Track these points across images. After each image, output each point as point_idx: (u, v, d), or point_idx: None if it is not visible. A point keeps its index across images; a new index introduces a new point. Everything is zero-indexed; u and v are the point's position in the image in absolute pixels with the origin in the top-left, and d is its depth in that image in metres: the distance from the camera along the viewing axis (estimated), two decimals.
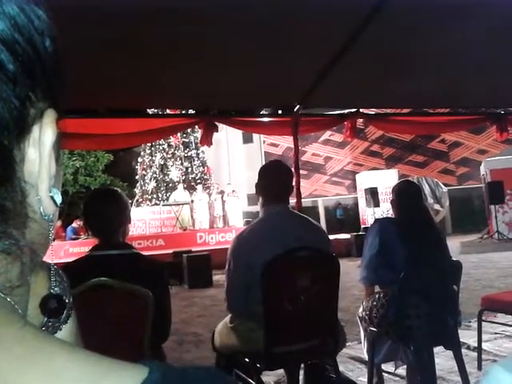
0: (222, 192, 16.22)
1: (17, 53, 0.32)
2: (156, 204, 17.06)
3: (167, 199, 16.52)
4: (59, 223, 16.24)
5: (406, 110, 6.32)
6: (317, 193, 19.07)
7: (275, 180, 2.53)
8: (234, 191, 16.10)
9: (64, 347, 0.31)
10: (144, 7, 2.42)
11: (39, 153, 0.35)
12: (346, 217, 19.74)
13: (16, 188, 0.34)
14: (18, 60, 0.33)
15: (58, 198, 0.37)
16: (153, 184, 18.17)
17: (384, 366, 3.14)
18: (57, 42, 0.37)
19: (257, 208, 2.64)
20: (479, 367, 3.34)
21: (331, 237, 2.76)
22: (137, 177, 19.25)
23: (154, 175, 18.25)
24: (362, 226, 15.04)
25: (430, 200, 15.46)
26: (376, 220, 3.13)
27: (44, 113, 0.36)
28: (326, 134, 18.22)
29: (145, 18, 2.54)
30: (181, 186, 16.19)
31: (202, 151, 18.64)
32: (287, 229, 2.41)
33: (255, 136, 21.02)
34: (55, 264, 0.43)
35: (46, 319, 0.41)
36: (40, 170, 0.35)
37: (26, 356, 0.29)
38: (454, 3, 2.60)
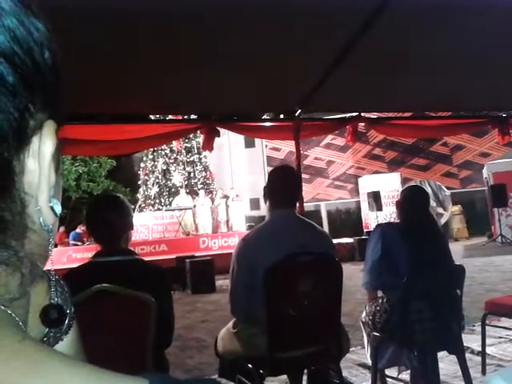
0: (226, 196, 16.23)
1: (16, 65, 0.33)
2: (159, 209, 17.07)
3: (170, 204, 16.54)
4: (62, 229, 16.27)
5: (407, 114, 6.32)
6: (319, 197, 19.02)
7: (282, 184, 2.54)
8: (237, 196, 16.11)
9: (63, 361, 0.31)
10: (145, 12, 2.43)
11: (39, 163, 0.35)
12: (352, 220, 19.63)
13: (15, 199, 0.34)
14: (18, 72, 0.33)
15: (58, 209, 0.37)
16: (155, 189, 18.19)
17: (388, 371, 3.13)
18: (56, 53, 0.37)
19: (259, 212, 2.66)
20: (483, 372, 3.32)
21: (334, 241, 2.76)
22: (139, 182, 19.27)
23: (157, 180, 18.28)
24: (365, 230, 14.99)
25: (433, 203, 15.41)
26: (378, 225, 3.12)
27: (43, 124, 0.36)
28: (328, 138, 18.19)
29: (145, 24, 2.55)
30: (183, 191, 16.20)
31: (205, 156, 18.66)
32: (292, 233, 2.41)
33: (257, 140, 20.99)
34: (56, 273, 0.43)
35: (47, 330, 0.41)
36: (40, 181, 0.35)
37: (24, 370, 0.29)
38: (456, 4, 2.61)
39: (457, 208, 17.78)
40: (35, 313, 0.39)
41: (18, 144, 0.34)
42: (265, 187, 2.58)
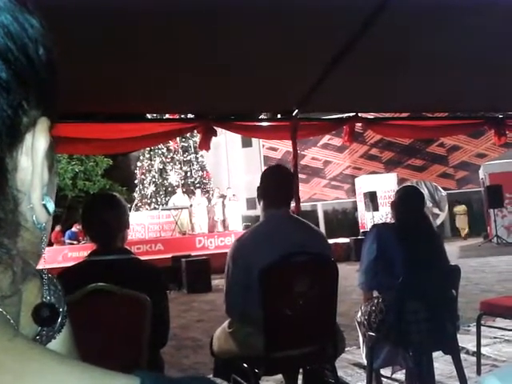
0: (222, 196, 16.23)
1: (9, 61, 0.32)
2: (155, 208, 17.07)
3: (166, 203, 16.54)
4: (58, 228, 16.25)
5: (404, 114, 6.33)
6: (316, 197, 19.06)
7: (276, 184, 2.53)
8: (234, 195, 16.12)
9: (55, 358, 0.31)
10: (144, 12, 2.43)
11: (32, 161, 0.35)
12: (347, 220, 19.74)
13: (8, 196, 0.33)
14: (11, 68, 0.33)
15: (51, 207, 0.37)
16: (152, 188, 18.18)
17: (383, 371, 3.13)
18: (51, 50, 0.36)
19: (256, 212, 2.65)
20: (478, 372, 3.33)
21: (330, 241, 2.76)
22: (136, 181, 19.26)
23: (153, 179, 18.26)
24: (361, 230, 15.03)
25: (429, 204, 15.46)
26: (373, 226, 3.13)
27: (37, 121, 0.36)
28: (325, 138, 18.23)
29: (144, 23, 2.55)
30: (180, 191, 16.20)
31: (201, 155, 18.67)
32: (287, 233, 2.41)
33: (254, 140, 21.02)
34: (48, 271, 0.43)
35: (40, 328, 0.41)
36: (33, 179, 0.35)
37: (15, 368, 0.29)
38: (456, 4, 2.61)
39: (461, 208, 17.95)
40: (27, 311, 0.39)
41: (11, 141, 0.33)
42: (258, 187, 2.58)
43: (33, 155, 0.35)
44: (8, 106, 0.33)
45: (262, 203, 2.55)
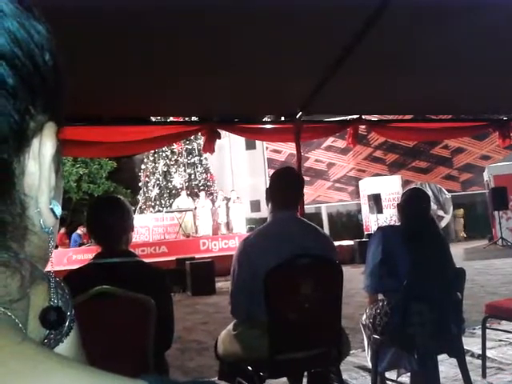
0: (226, 198, 16.25)
1: (16, 67, 0.33)
2: (159, 211, 17.09)
3: (170, 206, 16.56)
4: (63, 230, 16.30)
5: (408, 117, 6.33)
6: (320, 199, 19.03)
7: (284, 187, 2.54)
8: (238, 198, 16.13)
9: (62, 362, 0.31)
10: (146, 15, 2.43)
11: (39, 165, 0.35)
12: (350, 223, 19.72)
13: (15, 201, 0.34)
14: (18, 74, 0.33)
15: (58, 210, 0.38)
16: (156, 191, 18.21)
17: (388, 374, 3.12)
18: (57, 55, 0.37)
19: (260, 214, 2.66)
20: (483, 375, 3.31)
21: (334, 243, 2.76)
22: (140, 184, 19.29)
23: (157, 182, 18.30)
24: (366, 233, 14.99)
25: (434, 206, 15.41)
26: (379, 228, 3.12)
27: (44, 126, 0.36)
28: (329, 140, 18.21)
29: (147, 26, 2.56)
30: (184, 193, 16.22)
31: (205, 158, 18.69)
32: (292, 235, 2.41)
33: (258, 142, 21.02)
34: (55, 274, 0.43)
35: (47, 332, 0.41)
36: (40, 183, 0.35)
37: (23, 371, 0.29)
38: (456, 5, 2.61)
39: (461, 211, 17.95)
40: (35, 315, 0.39)
41: (19, 146, 0.34)
42: (267, 189, 2.58)
43: (40, 160, 0.35)
44: (15, 111, 0.33)
45: (270, 205, 2.55)
